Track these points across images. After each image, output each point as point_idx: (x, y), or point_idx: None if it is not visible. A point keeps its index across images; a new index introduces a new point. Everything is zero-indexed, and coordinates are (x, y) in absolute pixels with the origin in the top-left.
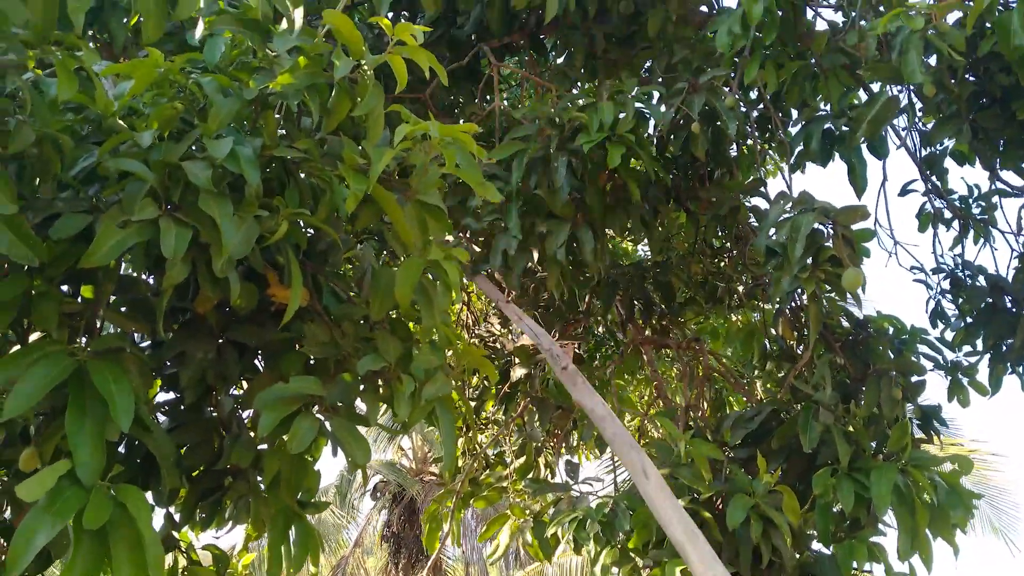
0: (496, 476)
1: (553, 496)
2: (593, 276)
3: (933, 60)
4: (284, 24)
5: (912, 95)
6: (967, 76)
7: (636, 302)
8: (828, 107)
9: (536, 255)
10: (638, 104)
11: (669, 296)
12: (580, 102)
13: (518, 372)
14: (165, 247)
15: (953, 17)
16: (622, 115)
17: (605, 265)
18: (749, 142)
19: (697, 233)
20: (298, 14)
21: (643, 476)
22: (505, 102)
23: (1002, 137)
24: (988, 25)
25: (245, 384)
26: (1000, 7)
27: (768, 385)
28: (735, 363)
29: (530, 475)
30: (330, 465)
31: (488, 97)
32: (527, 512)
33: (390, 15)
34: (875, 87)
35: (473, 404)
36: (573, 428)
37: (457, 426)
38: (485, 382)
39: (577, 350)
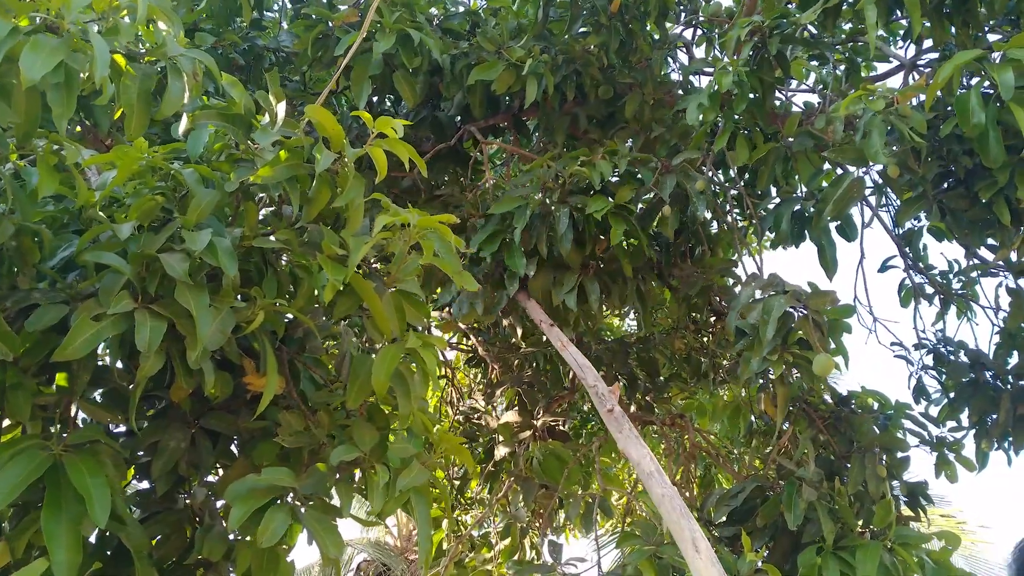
0: (481, 559)
1: None
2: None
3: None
4: (267, 117)
5: (880, 175)
6: (931, 158)
7: (620, 377)
8: (801, 188)
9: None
10: (629, 168)
11: (653, 372)
12: (583, 160)
13: (501, 451)
14: (139, 340)
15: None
16: (616, 174)
17: (596, 321)
18: (728, 219)
19: (680, 309)
20: (280, 108)
21: (692, 549)
22: (491, 182)
23: (968, 218)
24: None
25: (220, 472)
26: (962, 87)
27: (755, 462)
28: (723, 440)
29: (515, 556)
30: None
31: (472, 177)
32: None
33: (375, 99)
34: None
35: (457, 483)
36: (560, 507)
37: (442, 506)
38: None
39: (562, 427)
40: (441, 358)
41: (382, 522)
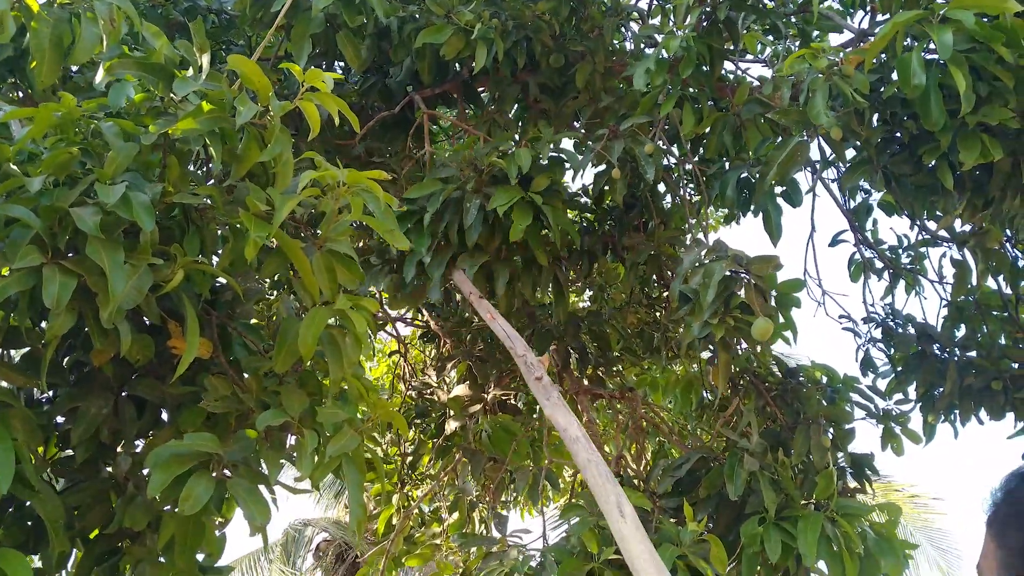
0: (431, 533)
1: (484, 549)
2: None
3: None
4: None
5: (825, 142)
6: (876, 123)
7: (572, 351)
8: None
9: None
10: (553, 154)
11: (604, 346)
12: (504, 147)
13: (452, 425)
14: (47, 296)
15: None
16: (542, 161)
17: (511, 306)
18: (681, 193)
19: (632, 281)
20: (205, 59)
21: (618, 513)
22: (447, 152)
23: (913, 183)
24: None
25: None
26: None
27: (704, 436)
28: (677, 414)
29: (464, 530)
30: (275, 522)
31: (420, 146)
32: (458, 569)
33: (322, 66)
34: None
35: (409, 459)
36: (512, 481)
37: (394, 481)
38: (421, 435)
39: (513, 400)
40: (394, 334)
41: (314, 490)
